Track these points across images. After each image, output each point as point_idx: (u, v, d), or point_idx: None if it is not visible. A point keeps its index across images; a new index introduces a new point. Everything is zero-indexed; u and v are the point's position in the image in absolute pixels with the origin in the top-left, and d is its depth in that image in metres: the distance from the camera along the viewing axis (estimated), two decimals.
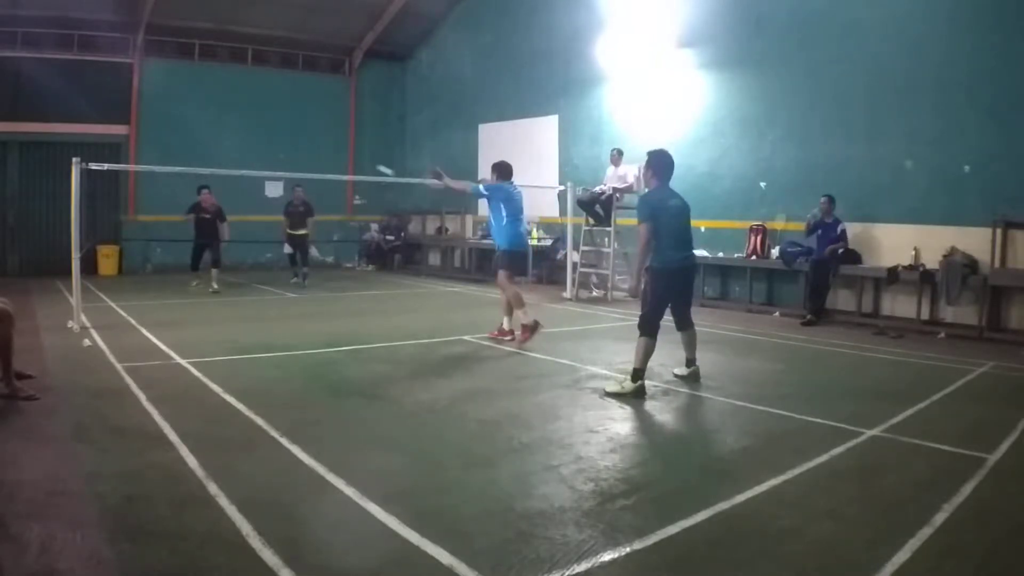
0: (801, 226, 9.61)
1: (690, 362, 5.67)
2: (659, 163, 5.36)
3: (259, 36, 15.59)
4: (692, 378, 5.63)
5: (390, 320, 9.18)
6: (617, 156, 11.44)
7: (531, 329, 6.85)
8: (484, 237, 14.55)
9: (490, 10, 15.18)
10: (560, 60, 13.47)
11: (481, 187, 7.31)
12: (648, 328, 5.14)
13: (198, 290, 11.29)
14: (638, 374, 5.06)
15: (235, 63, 15.72)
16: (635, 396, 5.00)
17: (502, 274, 7.10)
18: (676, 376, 5.70)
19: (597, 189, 11.50)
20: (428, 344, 7.09)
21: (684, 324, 5.59)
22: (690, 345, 5.66)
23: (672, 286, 5.29)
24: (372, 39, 16.59)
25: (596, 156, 12.60)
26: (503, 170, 7.34)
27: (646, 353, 5.09)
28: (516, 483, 3.49)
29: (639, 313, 5.34)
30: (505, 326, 7.34)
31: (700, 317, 9.46)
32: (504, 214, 7.06)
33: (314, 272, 12.91)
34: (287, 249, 12.90)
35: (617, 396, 5.03)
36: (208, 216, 11.59)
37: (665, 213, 5.22)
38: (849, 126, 9.50)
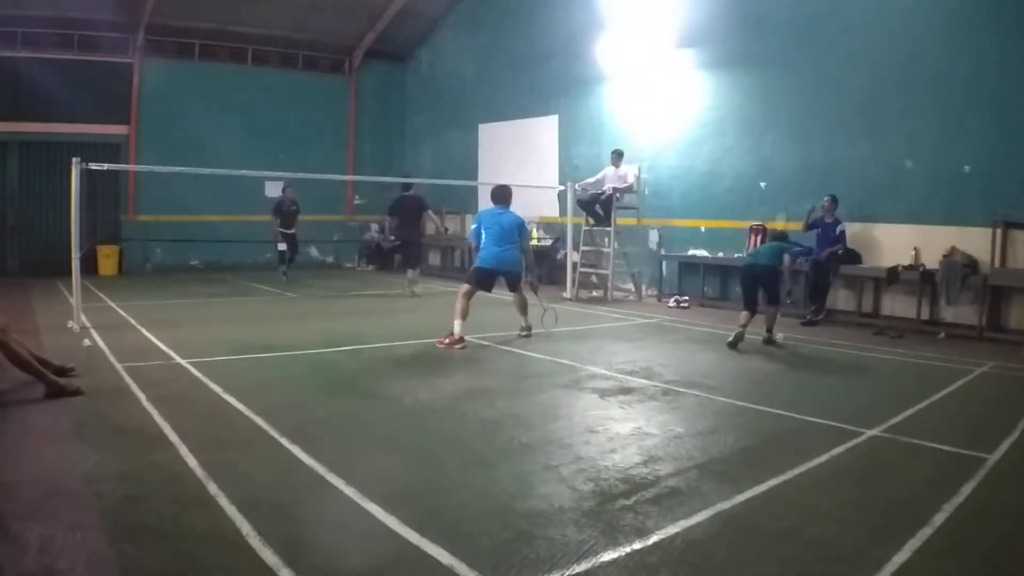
0: (801, 226, 9.60)
1: (768, 330, 7.57)
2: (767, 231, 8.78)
3: (259, 36, 15.60)
4: (767, 342, 7.49)
5: (390, 320, 9.19)
6: (617, 157, 11.45)
7: (453, 343, 6.98)
8: None
9: (490, 10, 15.18)
10: (560, 60, 13.47)
11: (472, 228, 7.77)
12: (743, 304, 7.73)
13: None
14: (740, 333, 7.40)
15: (235, 63, 15.72)
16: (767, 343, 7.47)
17: (463, 286, 7.42)
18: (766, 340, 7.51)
19: (591, 180, 11.55)
20: (428, 344, 7.09)
21: (768, 303, 7.65)
22: (768, 318, 7.61)
23: (744, 279, 7.83)
24: (372, 39, 16.59)
25: (596, 156, 12.59)
26: (493, 194, 7.85)
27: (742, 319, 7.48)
28: (516, 483, 3.49)
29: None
30: (523, 323, 7.67)
31: (700, 317, 9.55)
32: (483, 237, 7.52)
33: (314, 272, 12.93)
34: (282, 246, 13.06)
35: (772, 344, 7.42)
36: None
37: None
38: (849, 126, 9.50)
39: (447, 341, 6.99)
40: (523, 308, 7.70)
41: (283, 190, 13.27)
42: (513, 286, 7.68)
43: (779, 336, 7.70)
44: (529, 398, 5.18)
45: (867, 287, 9.24)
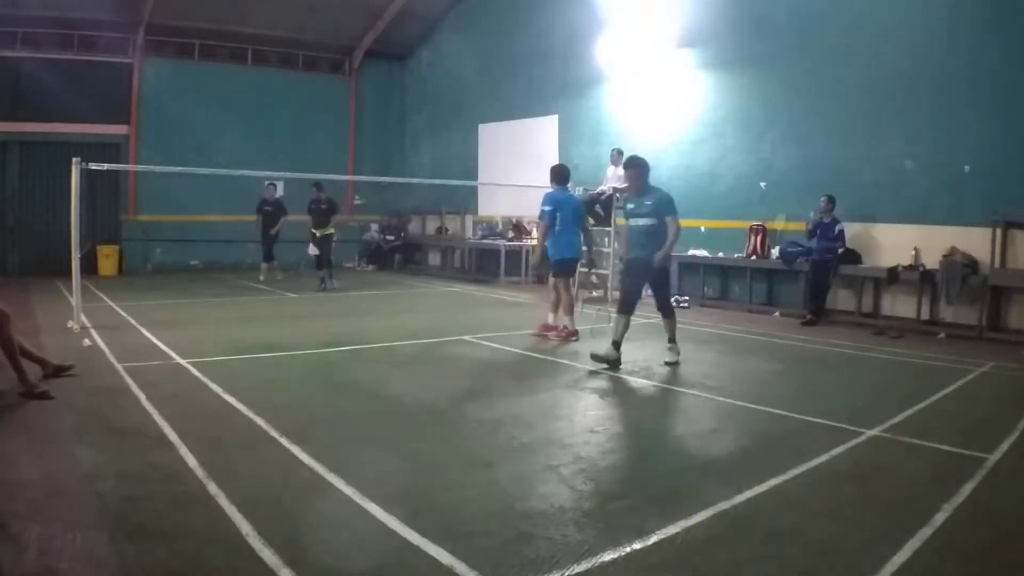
0: (801, 226, 9.61)
1: (671, 340, 6.40)
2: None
3: (259, 36, 15.61)
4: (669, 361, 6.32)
5: (390, 320, 9.18)
6: (617, 156, 11.42)
7: (568, 335, 7.14)
8: (484, 237, 14.57)
9: (490, 10, 15.19)
10: (560, 60, 13.48)
11: (545, 210, 7.40)
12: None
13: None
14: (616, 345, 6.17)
15: (235, 63, 15.74)
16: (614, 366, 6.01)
17: (558, 281, 7.38)
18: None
19: (597, 191, 11.51)
20: (428, 344, 7.09)
21: (661, 312, 6.52)
22: (667, 327, 6.46)
23: (631, 270, 6.42)
24: (372, 39, 16.61)
25: (596, 156, 12.60)
26: (557, 175, 7.63)
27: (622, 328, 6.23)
28: (516, 483, 3.49)
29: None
30: (550, 321, 7.54)
31: (701, 317, 9.54)
32: (558, 222, 7.31)
33: (313, 272, 12.75)
34: (312, 250, 12.24)
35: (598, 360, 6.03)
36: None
37: None
38: (849, 126, 9.50)
39: (563, 334, 7.08)
40: (568, 311, 7.44)
41: (311, 188, 12.19)
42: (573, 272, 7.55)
43: (677, 356, 6.36)
44: (529, 398, 5.18)
45: (867, 287, 9.24)
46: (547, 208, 7.33)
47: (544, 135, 13.91)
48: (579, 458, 3.84)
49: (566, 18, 13.31)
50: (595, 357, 6.10)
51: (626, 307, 6.24)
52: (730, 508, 3.19)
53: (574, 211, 7.39)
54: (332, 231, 12.17)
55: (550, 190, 7.58)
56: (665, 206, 6.22)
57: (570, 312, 7.15)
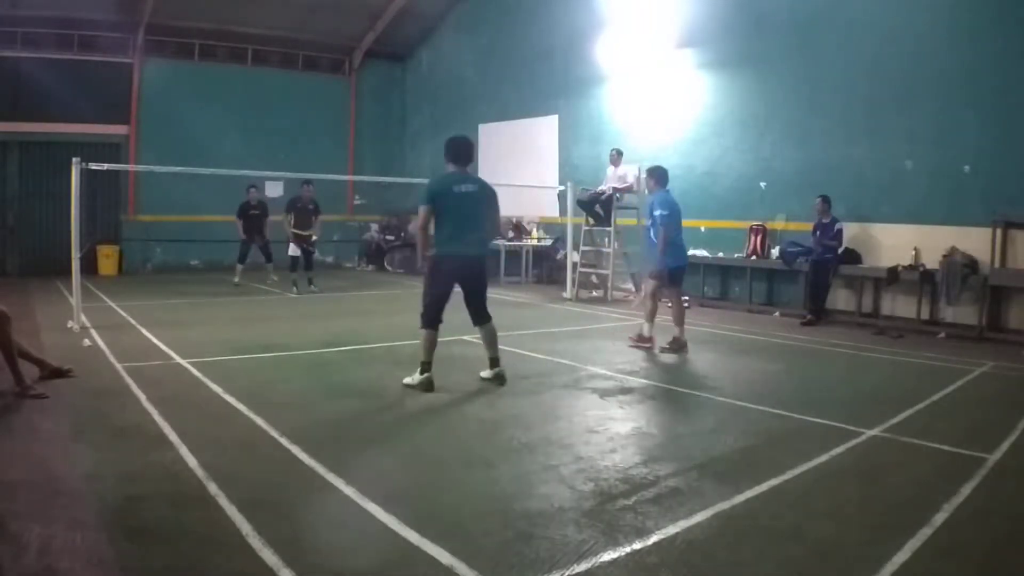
0: (800, 226, 9.61)
1: (493, 362, 5.47)
2: (455, 148, 5.28)
3: (259, 36, 15.60)
4: (498, 380, 5.42)
5: (390, 320, 9.17)
6: (617, 156, 11.44)
7: (643, 341, 6.99)
8: None
9: (490, 10, 15.19)
10: (560, 60, 13.48)
11: (663, 214, 6.77)
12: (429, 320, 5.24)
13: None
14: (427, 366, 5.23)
15: (235, 63, 15.72)
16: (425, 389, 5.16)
17: (650, 284, 7.10)
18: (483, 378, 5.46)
19: (598, 189, 11.52)
20: None
21: (481, 318, 5.45)
22: (488, 337, 5.47)
23: (454, 276, 5.25)
24: (372, 39, 16.60)
25: (596, 156, 12.60)
26: (661, 177, 7.10)
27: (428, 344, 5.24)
28: (516, 483, 3.49)
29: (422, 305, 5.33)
30: (645, 333, 7.13)
31: (700, 317, 9.53)
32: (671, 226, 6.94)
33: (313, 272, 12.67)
34: (293, 251, 11.64)
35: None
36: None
37: (451, 198, 5.17)
38: (849, 126, 9.50)
39: (645, 345, 6.92)
40: (650, 318, 7.10)
41: (302, 185, 11.68)
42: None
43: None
44: (529, 398, 5.18)
45: (867, 287, 9.24)
46: (664, 212, 6.75)
47: (544, 135, 13.91)
48: (579, 458, 3.84)
49: (566, 18, 13.31)
50: (408, 385, 5.26)
51: (427, 320, 5.26)
52: (730, 508, 3.19)
53: (679, 216, 6.98)
54: (313, 233, 11.74)
55: (649, 194, 7.17)
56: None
57: (680, 323, 6.99)
